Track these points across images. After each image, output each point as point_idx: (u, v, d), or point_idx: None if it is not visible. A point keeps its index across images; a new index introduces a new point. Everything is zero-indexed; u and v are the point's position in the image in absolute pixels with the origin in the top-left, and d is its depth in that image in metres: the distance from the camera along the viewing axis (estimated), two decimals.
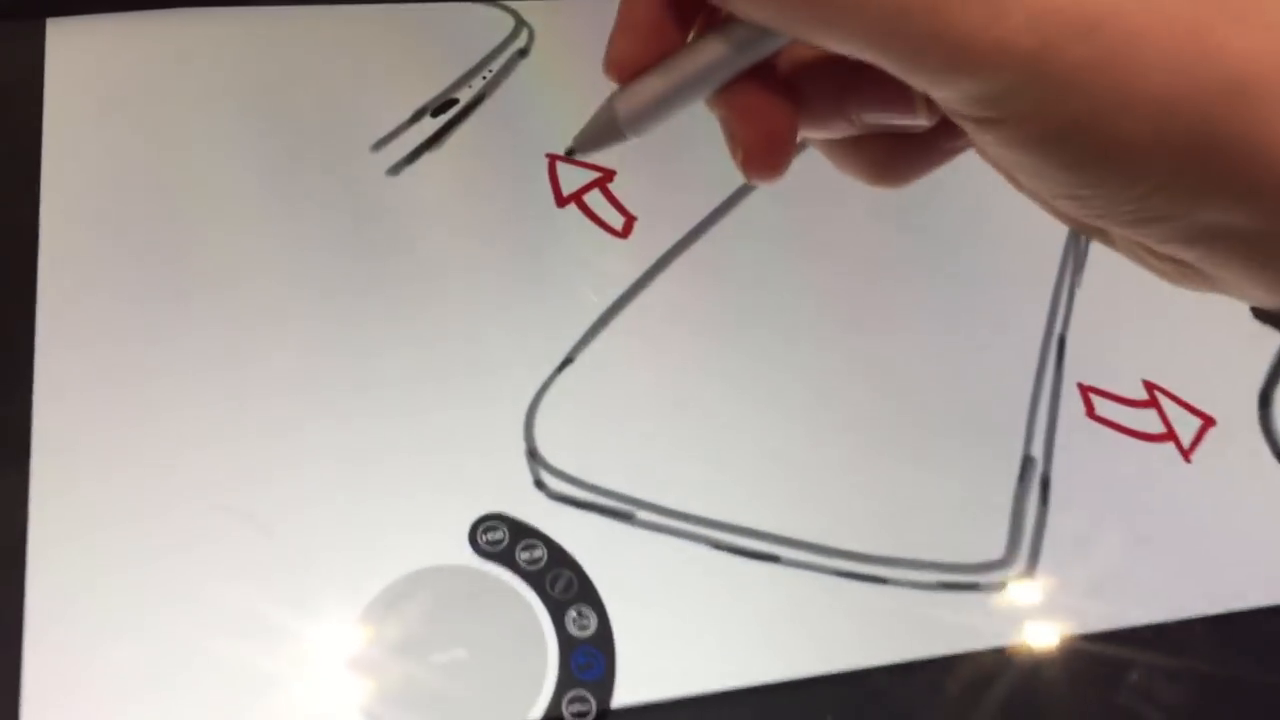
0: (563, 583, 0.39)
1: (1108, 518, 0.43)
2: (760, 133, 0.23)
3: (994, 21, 0.18)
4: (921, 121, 0.24)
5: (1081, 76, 0.18)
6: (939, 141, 0.25)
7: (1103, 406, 0.46)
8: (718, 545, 0.41)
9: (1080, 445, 0.45)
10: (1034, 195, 0.23)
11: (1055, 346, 0.47)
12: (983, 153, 0.22)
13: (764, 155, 0.23)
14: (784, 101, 0.23)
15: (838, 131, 0.25)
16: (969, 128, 0.21)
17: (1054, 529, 0.42)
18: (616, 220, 0.48)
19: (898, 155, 0.25)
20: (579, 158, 0.25)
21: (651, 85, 0.23)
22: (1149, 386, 0.46)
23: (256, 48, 0.51)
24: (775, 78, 0.23)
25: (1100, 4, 0.18)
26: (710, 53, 0.22)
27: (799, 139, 0.24)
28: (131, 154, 0.48)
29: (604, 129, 0.23)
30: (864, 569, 0.41)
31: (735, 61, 0.22)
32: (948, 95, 0.20)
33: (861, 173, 0.26)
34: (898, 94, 0.23)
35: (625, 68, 0.23)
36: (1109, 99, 0.18)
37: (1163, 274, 0.23)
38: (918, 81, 0.20)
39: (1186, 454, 0.45)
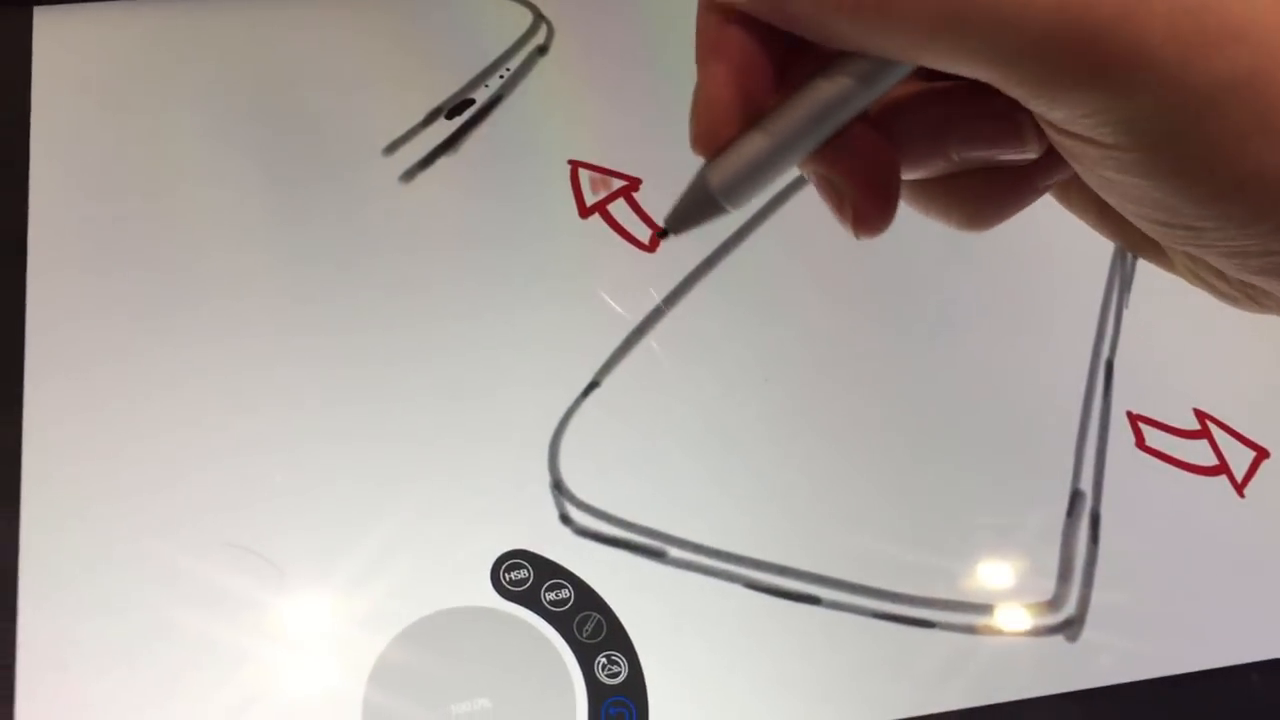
0: (591, 626, 0.37)
1: (1161, 557, 0.41)
2: (869, 188, 0.21)
3: (1131, 12, 0.16)
4: (1030, 155, 0.22)
5: (1222, 97, 0.16)
6: (1035, 178, 0.23)
7: (1153, 437, 0.43)
8: (754, 585, 0.38)
9: (1130, 479, 0.42)
10: (1087, 217, 0.21)
11: (1103, 372, 0.45)
12: (1083, 177, 0.20)
13: (875, 211, 0.21)
14: (888, 150, 0.21)
15: (934, 171, 0.23)
16: (1087, 152, 0.18)
17: (1105, 569, 0.40)
18: (643, 232, 0.45)
19: (990, 194, 0.23)
20: (674, 236, 0.22)
21: (747, 151, 0.20)
22: (1200, 416, 0.44)
23: (259, 41, 0.48)
24: (870, 122, 0.21)
25: (1240, 12, 0.16)
26: (810, 105, 0.19)
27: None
28: (125, 154, 0.45)
29: (699, 204, 0.21)
30: (909, 611, 0.39)
31: (838, 112, 0.19)
32: (1068, 115, 0.18)
33: (952, 215, 0.23)
34: (1006, 124, 0.21)
35: (714, 140, 0.20)
36: (1249, 124, 0.16)
37: (1225, 297, 0.21)
38: (1039, 97, 0.18)
39: (1240, 488, 0.43)
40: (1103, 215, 0.23)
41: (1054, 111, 0.18)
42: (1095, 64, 0.17)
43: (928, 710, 0.37)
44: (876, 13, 0.17)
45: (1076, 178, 0.21)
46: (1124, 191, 0.19)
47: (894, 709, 0.37)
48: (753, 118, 0.20)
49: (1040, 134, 0.20)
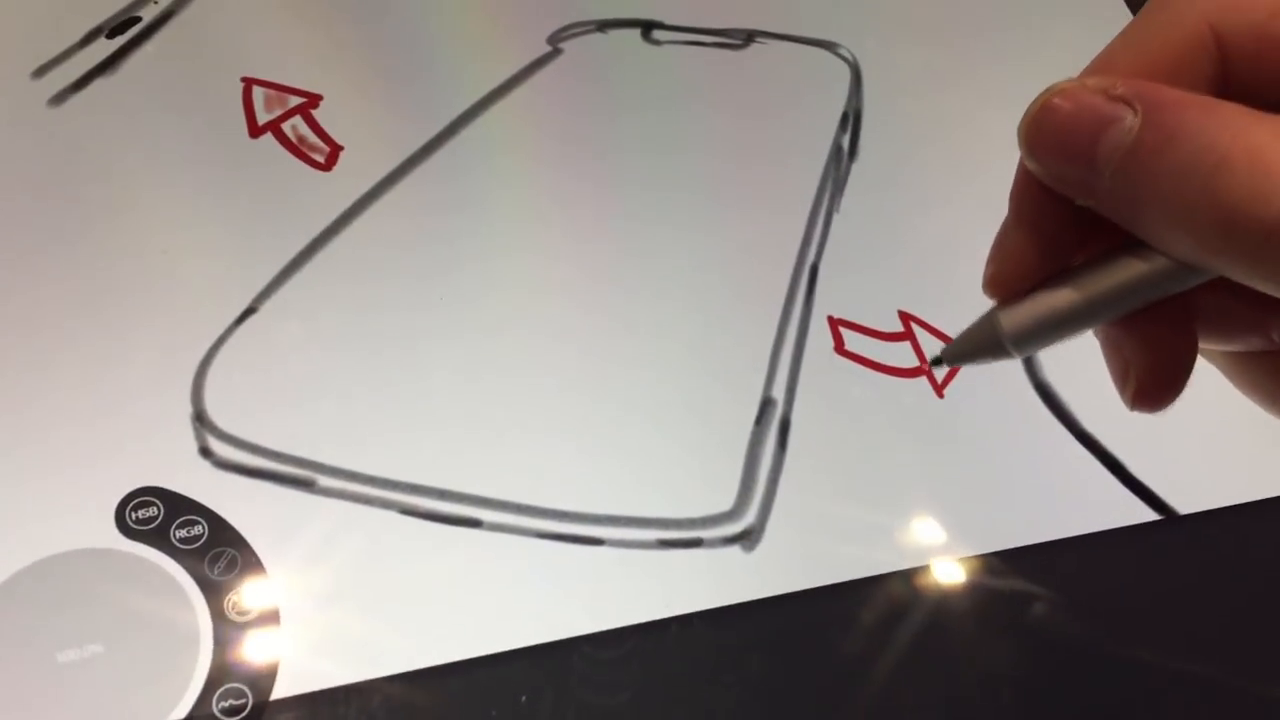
0: (225, 562, 0.35)
1: (852, 461, 0.40)
2: (1160, 363, 0.20)
3: None
4: None
5: None
6: None
7: (853, 341, 0.42)
8: (410, 511, 0.37)
9: (826, 384, 0.41)
10: None
11: (807, 277, 0.43)
12: None
13: (1160, 388, 0.20)
14: (1189, 325, 0.20)
15: (1244, 347, 0.21)
16: None
17: (791, 476, 0.39)
18: (321, 151, 0.43)
19: None
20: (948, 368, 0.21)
21: (1047, 304, 0.20)
22: (904, 318, 0.43)
23: None
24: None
25: None
26: (1123, 278, 0.19)
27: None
28: None
29: (984, 344, 0.21)
30: (576, 529, 0.37)
31: (1149, 292, 0.19)
32: None
33: (1271, 398, 0.22)
34: None
35: (1009, 284, 0.20)
36: None
37: None
38: None
39: (939, 389, 0.42)
40: None
41: None
42: None
43: (589, 630, 0.35)
44: (1218, 247, 0.16)
45: None
46: None
47: (552, 631, 0.35)
48: (1048, 272, 0.20)
49: None
